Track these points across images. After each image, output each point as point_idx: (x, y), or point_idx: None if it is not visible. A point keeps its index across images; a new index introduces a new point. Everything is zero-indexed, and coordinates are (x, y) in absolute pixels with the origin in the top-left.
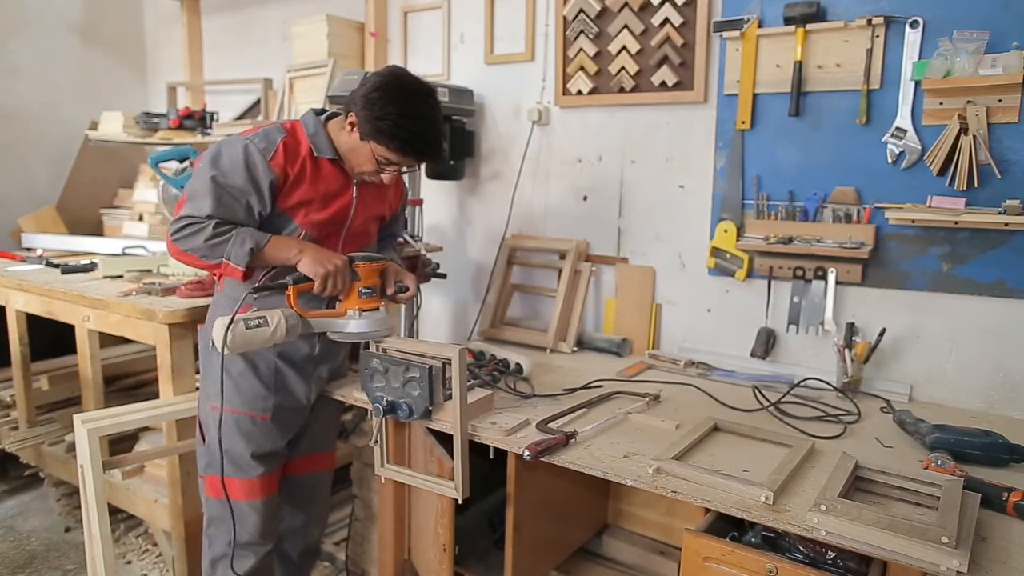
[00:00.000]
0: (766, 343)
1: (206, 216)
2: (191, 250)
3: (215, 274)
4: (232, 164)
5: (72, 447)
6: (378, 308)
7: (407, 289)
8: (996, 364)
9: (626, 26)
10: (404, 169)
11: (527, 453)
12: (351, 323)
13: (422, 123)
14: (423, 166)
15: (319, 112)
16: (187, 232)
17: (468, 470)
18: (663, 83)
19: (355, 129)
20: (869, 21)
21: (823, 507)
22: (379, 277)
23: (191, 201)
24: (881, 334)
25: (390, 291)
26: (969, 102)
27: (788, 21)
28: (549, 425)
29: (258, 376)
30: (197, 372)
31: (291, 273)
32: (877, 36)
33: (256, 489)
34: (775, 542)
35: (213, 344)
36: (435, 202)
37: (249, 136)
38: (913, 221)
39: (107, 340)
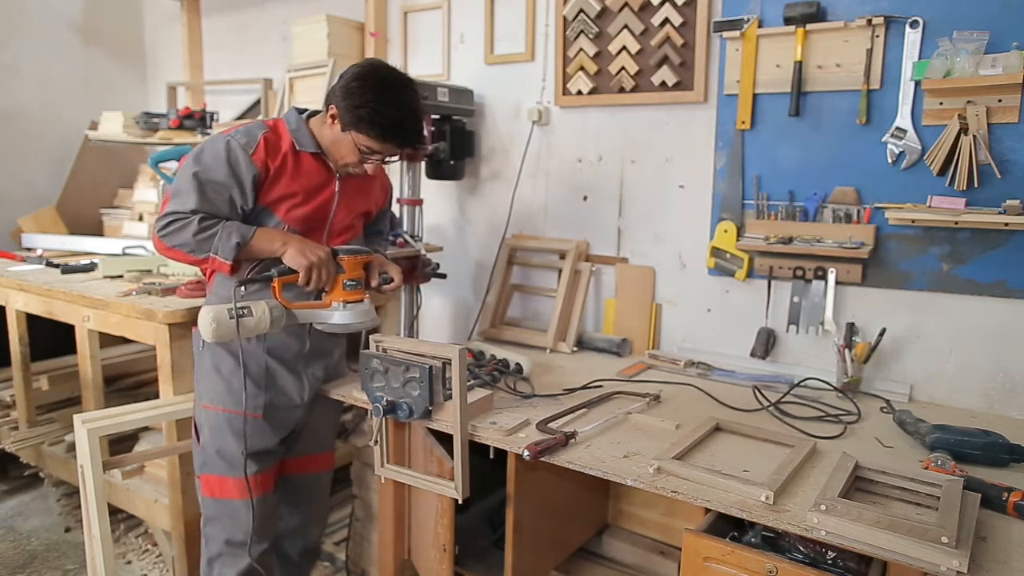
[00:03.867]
0: (766, 343)
1: (191, 211)
2: (178, 246)
3: (203, 269)
4: (214, 160)
5: (72, 447)
6: (362, 300)
7: (391, 280)
8: (996, 364)
9: (626, 26)
10: (387, 159)
11: (527, 453)
12: (335, 314)
13: (401, 109)
14: (423, 165)
15: (301, 110)
16: (173, 228)
17: (468, 470)
18: (663, 83)
19: (336, 121)
20: (869, 21)
21: (823, 507)
22: (363, 270)
23: (175, 198)
24: (881, 334)
25: (374, 283)
26: (969, 102)
27: (788, 21)
28: (549, 425)
29: (248, 375)
30: None
31: (276, 265)
32: (877, 36)
33: (251, 487)
34: (775, 542)
35: (204, 344)
36: (435, 202)
37: (231, 133)
38: (913, 221)
39: (107, 340)
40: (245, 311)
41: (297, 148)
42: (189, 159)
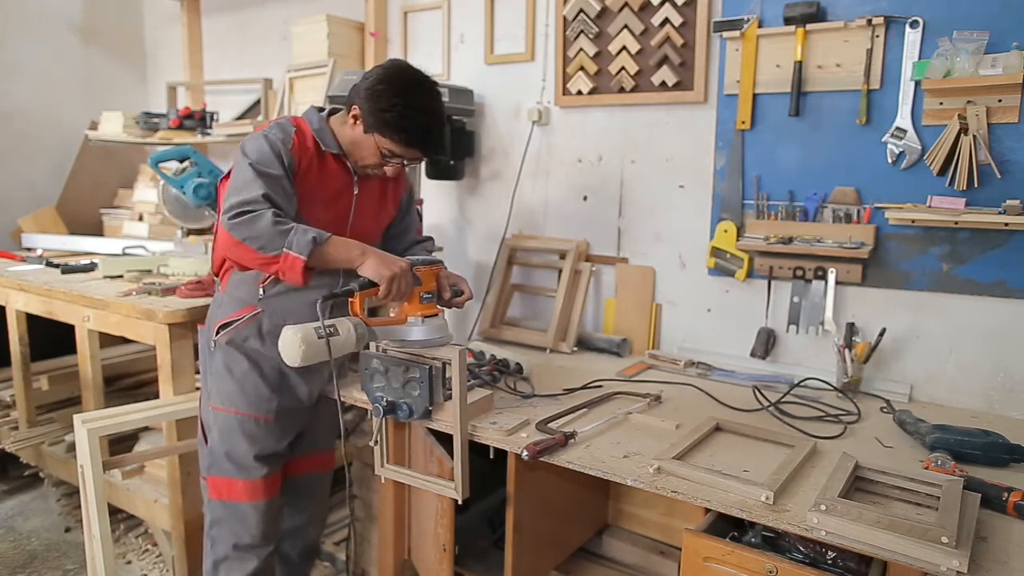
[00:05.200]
0: (766, 343)
1: (262, 195)
2: (250, 238)
3: (270, 271)
4: (261, 154)
5: (72, 447)
6: (437, 314)
7: (462, 292)
8: (996, 364)
9: (626, 26)
10: (407, 162)
11: (526, 453)
12: (414, 330)
13: (426, 114)
14: (423, 165)
15: (320, 108)
16: (246, 218)
17: (468, 470)
18: (663, 83)
19: (358, 122)
20: (869, 21)
21: (823, 507)
22: (435, 281)
23: (238, 192)
24: (881, 334)
25: (447, 295)
26: (969, 102)
27: (788, 21)
28: (549, 425)
29: (263, 377)
30: (197, 372)
31: (357, 279)
32: (877, 36)
33: (259, 490)
34: (775, 542)
35: (216, 344)
36: (435, 202)
37: (264, 130)
38: (913, 221)
39: (107, 340)
40: (332, 330)
41: (322, 148)
42: (237, 158)
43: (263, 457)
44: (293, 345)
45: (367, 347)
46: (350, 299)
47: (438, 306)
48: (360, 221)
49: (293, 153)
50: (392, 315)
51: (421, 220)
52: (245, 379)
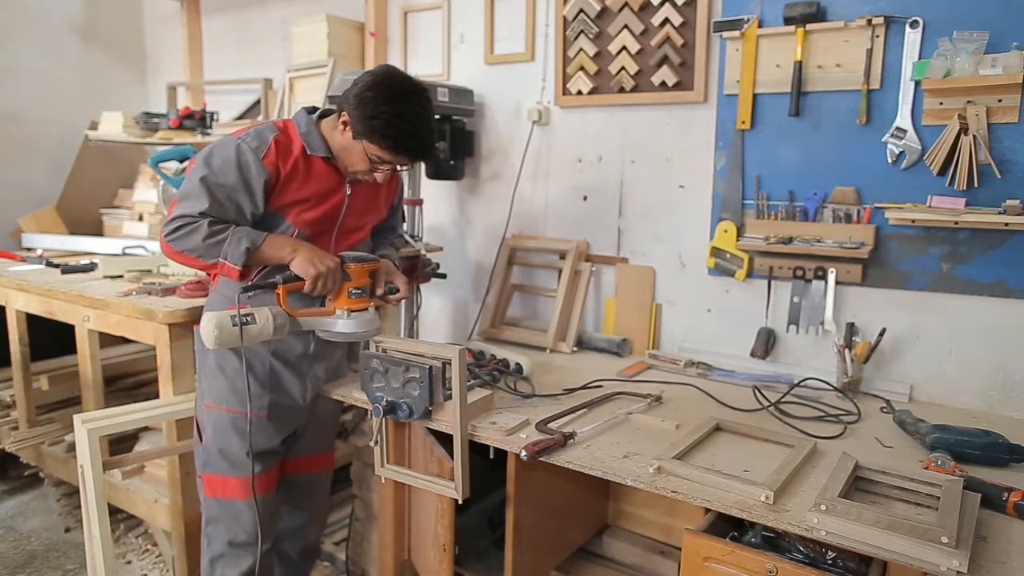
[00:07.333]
0: (766, 343)
1: (199, 214)
2: (187, 251)
3: (210, 274)
4: (224, 164)
5: (72, 447)
6: (367, 309)
7: (397, 290)
8: (996, 364)
9: (626, 26)
10: (398, 168)
11: (524, 454)
12: (339, 323)
13: (415, 122)
14: (422, 166)
15: (311, 110)
16: (182, 232)
17: (468, 470)
18: (663, 83)
19: (348, 128)
20: (869, 21)
21: (823, 507)
22: (369, 278)
23: (184, 201)
24: (881, 334)
25: (379, 292)
26: (969, 102)
27: (788, 21)
28: (549, 425)
29: (254, 375)
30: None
31: (282, 272)
32: (877, 36)
33: (253, 487)
34: (775, 542)
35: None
36: (435, 202)
37: (241, 136)
38: (913, 221)
39: (107, 340)
40: (248, 318)
41: (308, 152)
42: (198, 162)
43: (256, 454)
44: (208, 329)
45: (366, 347)
46: (276, 291)
47: (370, 301)
48: (350, 221)
49: (267, 163)
50: (325, 307)
51: (404, 218)
52: (236, 377)
